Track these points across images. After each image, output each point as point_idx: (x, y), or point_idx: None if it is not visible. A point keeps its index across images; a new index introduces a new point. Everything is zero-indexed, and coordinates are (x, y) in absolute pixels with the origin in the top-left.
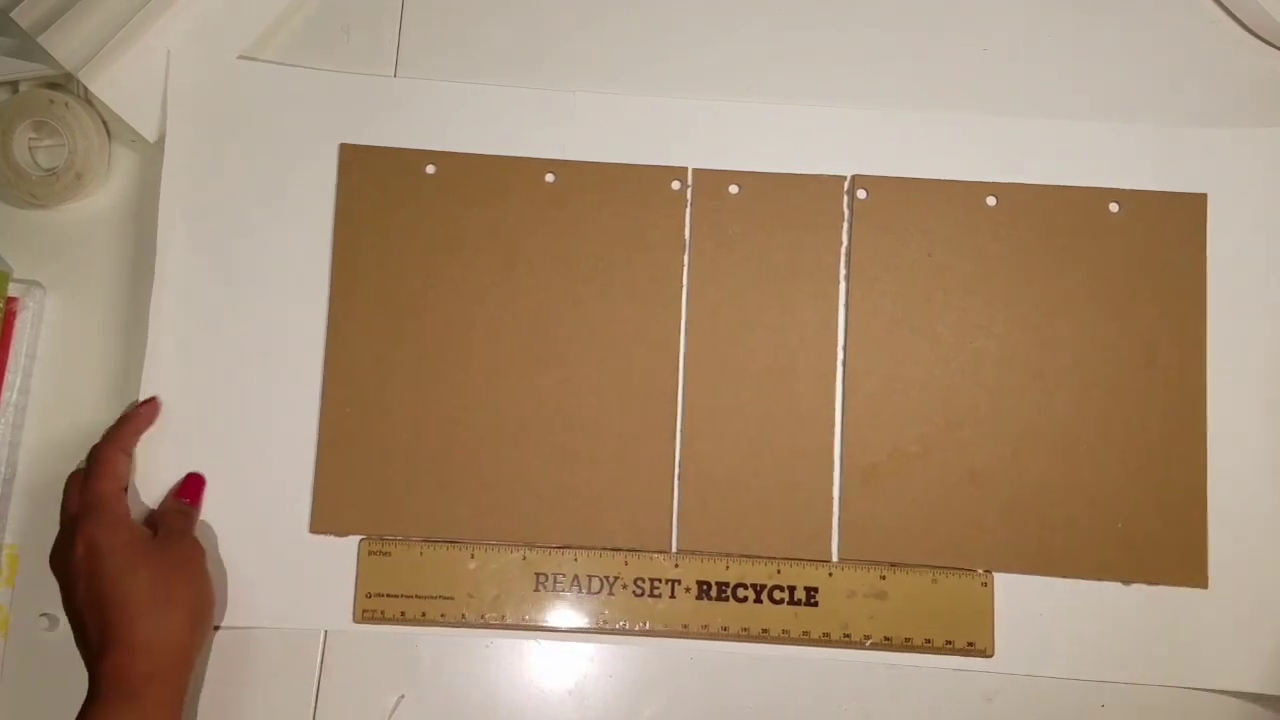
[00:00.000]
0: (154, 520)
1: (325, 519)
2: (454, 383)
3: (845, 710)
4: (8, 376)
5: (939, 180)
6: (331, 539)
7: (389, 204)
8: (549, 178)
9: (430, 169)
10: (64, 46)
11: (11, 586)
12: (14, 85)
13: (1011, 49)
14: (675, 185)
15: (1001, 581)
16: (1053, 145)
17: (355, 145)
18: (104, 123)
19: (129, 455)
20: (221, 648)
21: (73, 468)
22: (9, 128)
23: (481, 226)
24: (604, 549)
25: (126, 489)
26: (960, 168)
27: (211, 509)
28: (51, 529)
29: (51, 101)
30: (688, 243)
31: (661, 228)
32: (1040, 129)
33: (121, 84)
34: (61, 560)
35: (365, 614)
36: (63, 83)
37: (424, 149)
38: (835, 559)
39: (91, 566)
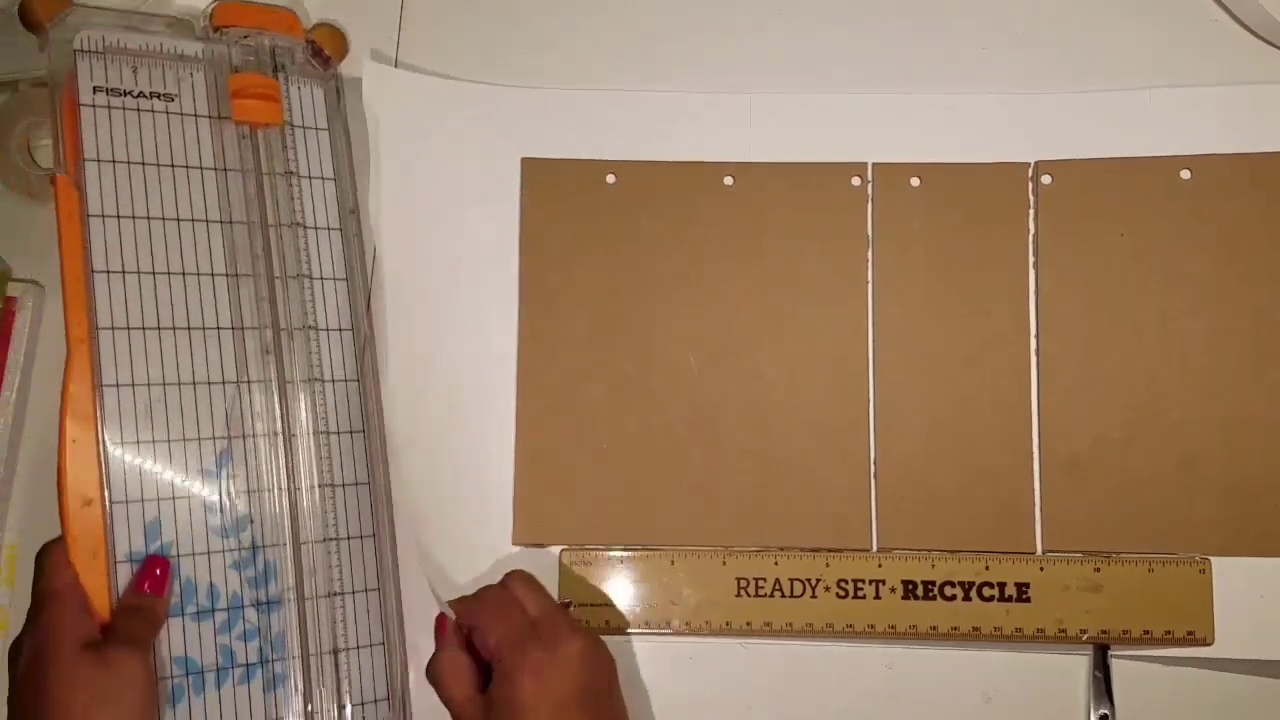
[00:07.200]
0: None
1: (526, 530)
2: (644, 390)
3: (845, 710)
4: (6, 376)
5: (1127, 159)
6: (534, 550)
7: (572, 215)
8: (728, 180)
9: (610, 179)
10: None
11: (11, 586)
12: (13, 85)
13: (1180, 21)
14: (855, 181)
15: (1218, 566)
16: (1244, 111)
17: (536, 159)
18: None
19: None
20: None
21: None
22: (8, 128)
23: (664, 233)
24: (803, 550)
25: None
26: (1145, 144)
27: (418, 523)
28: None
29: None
30: (871, 238)
31: (844, 224)
32: (1231, 96)
33: None
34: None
35: None
36: None
37: (603, 159)
38: (1039, 551)
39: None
